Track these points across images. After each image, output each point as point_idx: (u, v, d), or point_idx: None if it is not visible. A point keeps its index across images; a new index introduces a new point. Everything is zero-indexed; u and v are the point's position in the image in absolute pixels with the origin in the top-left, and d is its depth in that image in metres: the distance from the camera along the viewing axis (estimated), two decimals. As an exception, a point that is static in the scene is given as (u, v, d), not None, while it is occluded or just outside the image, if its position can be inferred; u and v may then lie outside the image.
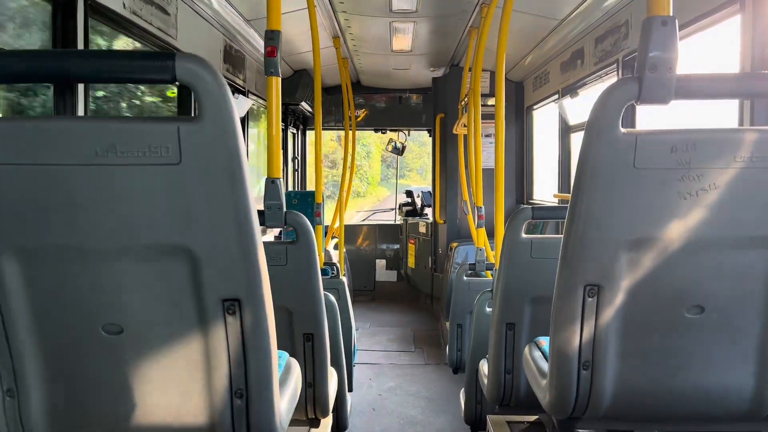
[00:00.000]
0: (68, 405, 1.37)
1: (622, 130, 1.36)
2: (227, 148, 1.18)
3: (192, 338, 1.31)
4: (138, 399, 1.36)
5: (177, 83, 1.17)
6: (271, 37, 2.28)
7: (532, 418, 2.68)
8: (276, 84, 2.32)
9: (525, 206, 2.39)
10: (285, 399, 1.55)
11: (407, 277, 8.08)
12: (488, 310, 3.14)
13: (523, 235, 2.38)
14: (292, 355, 1.97)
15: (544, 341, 1.99)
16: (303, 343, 2.26)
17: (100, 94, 3.41)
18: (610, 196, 1.40)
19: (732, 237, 1.42)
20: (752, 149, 1.35)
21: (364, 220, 10.20)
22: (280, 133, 2.46)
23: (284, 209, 2.19)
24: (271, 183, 2.24)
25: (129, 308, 1.29)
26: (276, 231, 5.54)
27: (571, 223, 1.45)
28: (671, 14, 1.33)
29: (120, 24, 2.83)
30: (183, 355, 1.33)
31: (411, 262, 7.90)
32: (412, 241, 7.86)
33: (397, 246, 8.41)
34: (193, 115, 1.22)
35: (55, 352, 1.34)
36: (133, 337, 1.31)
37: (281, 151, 2.45)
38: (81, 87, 2.48)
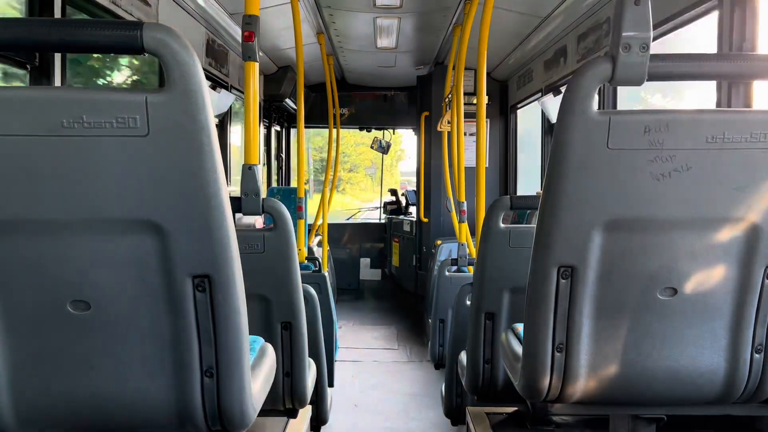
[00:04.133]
0: (34, 385, 1.33)
1: (596, 110, 1.36)
2: (196, 119, 1.16)
3: (161, 316, 1.29)
4: (106, 378, 1.33)
5: (145, 54, 1.15)
6: (249, 22, 2.27)
7: (511, 408, 2.68)
8: (254, 70, 2.30)
9: (503, 196, 2.39)
10: (258, 381, 1.53)
11: (391, 275, 8.07)
12: (469, 303, 3.14)
13: (501, 225, 2.39)
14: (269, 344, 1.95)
15: (521, 327, 1.99)
16: (280, 331, 2.23)
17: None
18: (583, 177, 1.40)
19: (704, 219, 1.43)
20: (724, 130, 1.36)
21: (348, 219, 10.18)
22: (258, 119, 2.43)
23: (261, 196, 2.16)
24: (248, 170, 2.21)
25: (96, 285, 1.27)
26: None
27: (545, 204, 1.45)
28: None
29: (97, 15, 2.80)
30: (151, 333, 1.30)
31: (395, 260, 7.89)
32: (397, 240, 7.86)
33: (381, 244, 8.40)
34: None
35: (20, 331, 1.30)
36: (100, 315, 1.29)
37: (258, 138, 2.42)
38: (58, 59, 2.44)
